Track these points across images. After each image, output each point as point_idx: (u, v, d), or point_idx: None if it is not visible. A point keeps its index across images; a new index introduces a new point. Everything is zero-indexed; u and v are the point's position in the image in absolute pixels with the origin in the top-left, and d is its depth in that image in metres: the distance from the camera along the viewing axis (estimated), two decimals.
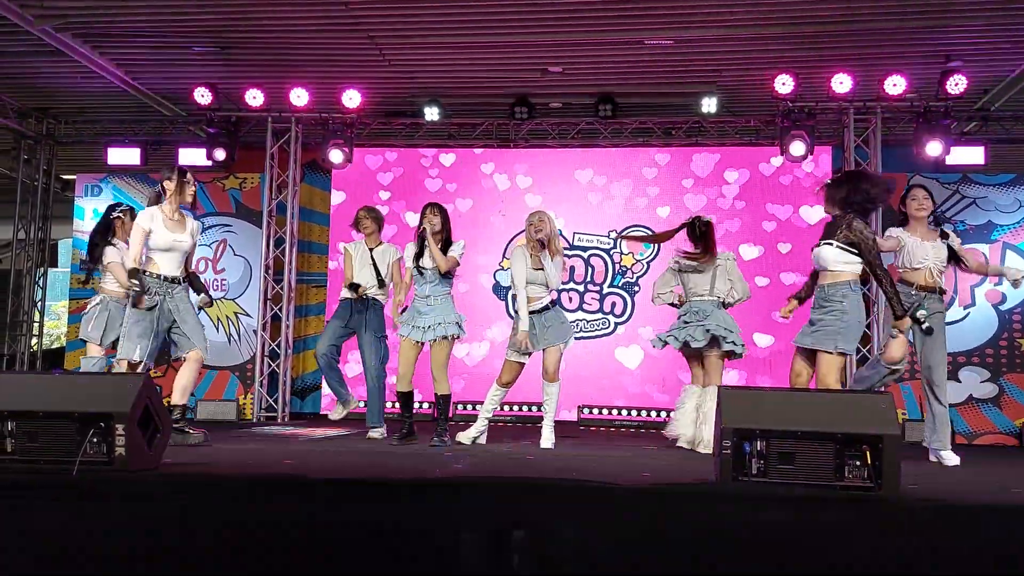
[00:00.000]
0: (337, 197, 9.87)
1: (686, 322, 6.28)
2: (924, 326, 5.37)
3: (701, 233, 6.37)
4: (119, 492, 3.34)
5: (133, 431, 3.93)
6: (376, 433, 6.56)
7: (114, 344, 6.36)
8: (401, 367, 6.16)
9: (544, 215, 6.21)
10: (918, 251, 5.78)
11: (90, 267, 6.83)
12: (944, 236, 5.92)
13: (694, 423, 6.17)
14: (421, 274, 6.18)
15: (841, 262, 5.06)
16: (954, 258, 5.91)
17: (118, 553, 2.39)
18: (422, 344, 6.15)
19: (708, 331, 6.14)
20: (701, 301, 6.28)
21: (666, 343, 6.39)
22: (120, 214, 6.86)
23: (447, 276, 6.19)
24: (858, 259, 5.06)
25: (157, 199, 5.92)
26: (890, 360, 5.67)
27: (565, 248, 9.50)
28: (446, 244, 6.20)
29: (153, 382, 4.27)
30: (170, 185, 5.83)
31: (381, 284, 6.62)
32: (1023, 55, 7.84)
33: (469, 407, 8.83)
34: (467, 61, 8.41)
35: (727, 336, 6.15)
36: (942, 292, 5.87)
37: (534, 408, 8.78)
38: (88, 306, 6.80)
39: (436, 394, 6.18)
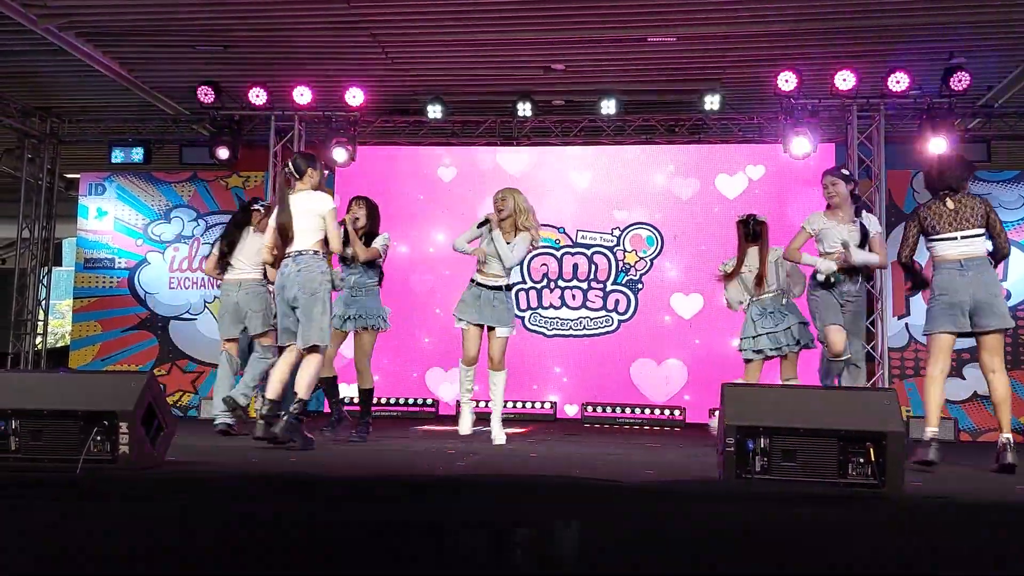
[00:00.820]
0: (341, 195, 9.85)
1: (767, 328, 6.19)
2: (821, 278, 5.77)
3: (755, 233, 6.33)
4: (121, 490, 3.35)
5: (136, 429, 3.94)
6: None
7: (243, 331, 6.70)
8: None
9: (508, 192, 6.11)
10: (830, 235, 5.83)
11: (227, 258, 6.81)
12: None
13: None
14: (348, 265, 6.24)
15: None
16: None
17: (118, 553, 2.40)
18: (346, 333, 6.25)
19: (794, 336, 6.13)
20: (770, 299, 6.25)
21: (759, 351, 6.26)
22: (259, 207, 6.92)
23: (373, 267, 6.29)
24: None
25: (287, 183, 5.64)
26: (833, 354, 5.71)
27: (567, 245, 9.54)
28: (371, 236, 6.28)
29: (156, 380, 4.28)
30: (314, 174, 5.60)
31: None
32: None
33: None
34: (470, 58, 8.41)
35: (804, 335, 6.19)
36: (862, 274, 5.90)
37: (517, 405, 8.84)
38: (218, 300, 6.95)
39: (359, 388, 6.28)
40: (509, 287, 6.08)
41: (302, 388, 5.29)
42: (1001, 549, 2.75)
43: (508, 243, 5.93)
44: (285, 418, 5.15)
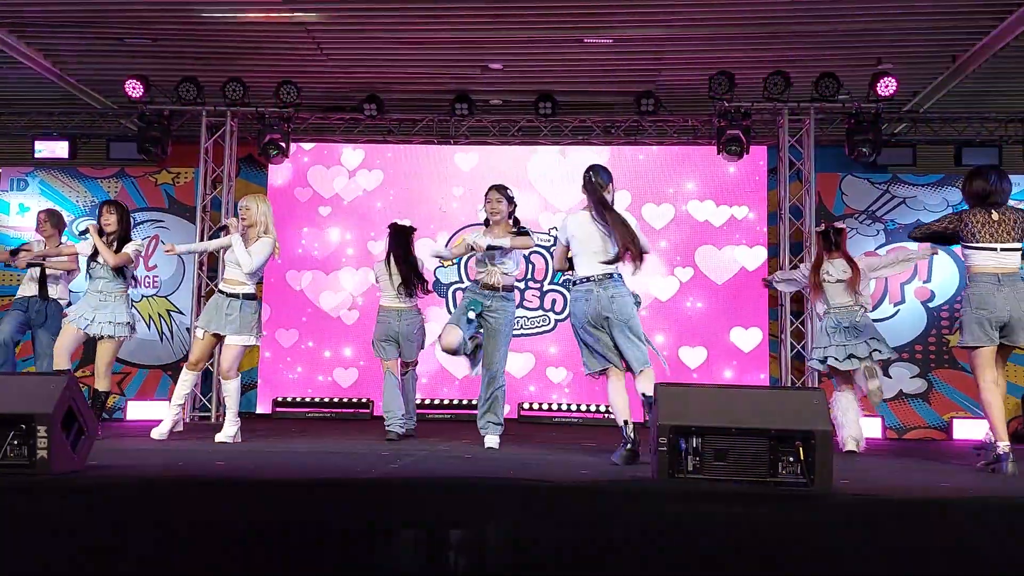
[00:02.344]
0: (274, 192, 9.72)
1: (841, 340, 6.21)
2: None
3: (836, 242, 6.31)
4: (37, 496, 3.22)
5: (55, 433, 3.80)
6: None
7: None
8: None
9: (251, 199, 6.23)
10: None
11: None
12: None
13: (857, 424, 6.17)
14: (95, 270, 6.28)
15: None
16: None
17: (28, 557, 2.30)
18: (85, 335, 6.22)
19: (869, 348, 6.14)
20: (847, 311, 6.26)
21: (825, 361, 6.29)
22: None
23: (121, 274, 6.32)
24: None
25: None
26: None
27: None
28: (123, 241, 6.31)
29: (77, 382, 4.14)
30: None
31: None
32: (951, 59, 8.04)
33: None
34: (406, 56, 8.34)
35: (881, 350, 6.19)
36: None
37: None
38: None
39: (94, 389, 6.30)
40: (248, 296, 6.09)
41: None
42: (928, 543, 2.81)
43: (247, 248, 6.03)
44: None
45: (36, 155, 9.66)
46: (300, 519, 2.95)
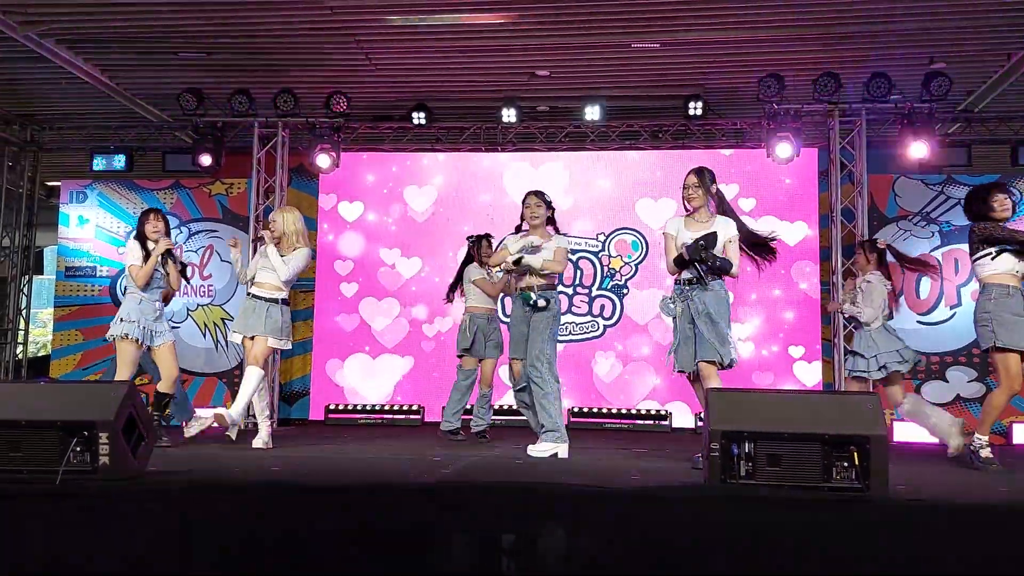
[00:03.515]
0: (325, 202, 9.85)
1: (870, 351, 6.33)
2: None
3: (880, 259, 6.44)
4: (102, 501, 3.31)
5: (117, 439, 3.89)
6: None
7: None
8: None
9: (279, 211, 6.43)
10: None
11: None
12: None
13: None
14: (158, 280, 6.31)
15: None
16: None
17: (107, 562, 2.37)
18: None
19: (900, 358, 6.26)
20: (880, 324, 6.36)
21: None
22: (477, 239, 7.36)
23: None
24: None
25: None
26: None
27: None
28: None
29: (137, 389, 4.24)
30: None
31: None
32: (1005, 57, 7.88)
33: None
34: (454, 65, 8.41)
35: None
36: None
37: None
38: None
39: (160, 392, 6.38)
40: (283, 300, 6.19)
41: None
42: (985, 550, 2.76)
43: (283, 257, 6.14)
44: None
45: (94, 168, 9.91)
46: (350, 524, 2.99)
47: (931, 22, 7.28)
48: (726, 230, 5.29)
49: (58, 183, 10.45)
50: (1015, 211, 5.66)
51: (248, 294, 6.23)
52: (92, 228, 9.90)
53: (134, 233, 6.38)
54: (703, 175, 5.38)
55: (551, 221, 5.92)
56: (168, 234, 6.38)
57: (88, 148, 10.00)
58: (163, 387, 6.29)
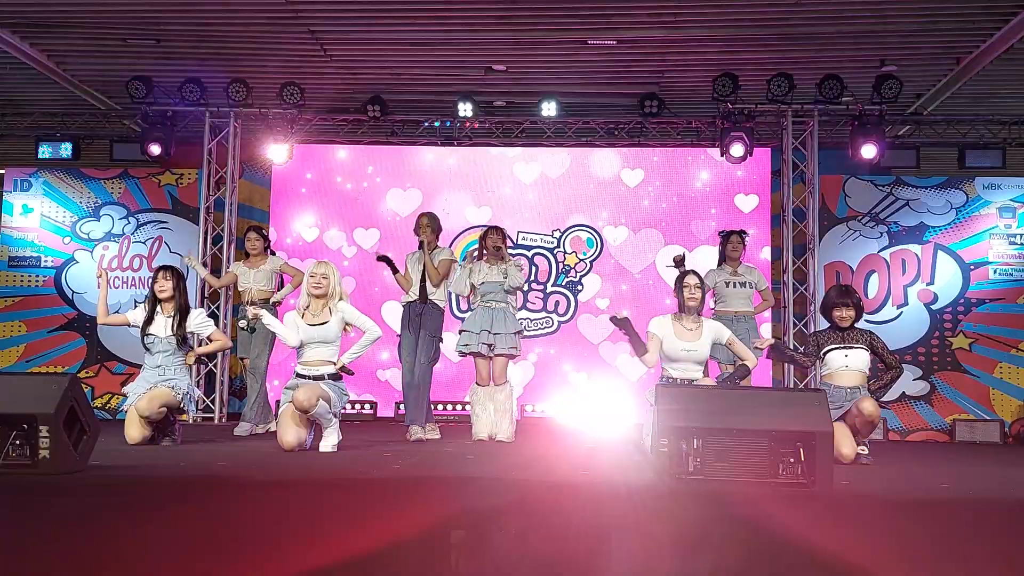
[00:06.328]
0: (276, 194, 9.73)
1: None
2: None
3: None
4: (40, 495, 3.23)
5: (58, 433, 3.81)
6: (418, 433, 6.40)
7: None
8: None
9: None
10: None
11: None
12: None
13: None
14: (153, 342, 5.80)
15: None
16: None
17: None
18: None
19: None
20: None
21: None
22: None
23: (182, 344, 5.88)
24: None
25: None
26: None
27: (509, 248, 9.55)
28: (182, 312, 5.84)
29: (80, 382, 4.15)
30: None
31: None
32: (954, 61, 8.03)
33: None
34: (410, 58, 8.35)
35: None
36: None
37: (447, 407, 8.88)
38: None
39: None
40: None
41: None
42: (924, 545, 2.80)
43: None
44: None
45: (40, 156, 9.69)
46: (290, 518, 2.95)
47: (883, 25, 7.39)
48: (719, 334, 5.39)
49: (2, 171, 10.18)
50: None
51: (297, 374, 5.55)
52: (37, 217, 9.66)
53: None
54: (703, 279, 5.55)
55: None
56: (179, 288, 5.88)
57: (34, 136, 9.77)
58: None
